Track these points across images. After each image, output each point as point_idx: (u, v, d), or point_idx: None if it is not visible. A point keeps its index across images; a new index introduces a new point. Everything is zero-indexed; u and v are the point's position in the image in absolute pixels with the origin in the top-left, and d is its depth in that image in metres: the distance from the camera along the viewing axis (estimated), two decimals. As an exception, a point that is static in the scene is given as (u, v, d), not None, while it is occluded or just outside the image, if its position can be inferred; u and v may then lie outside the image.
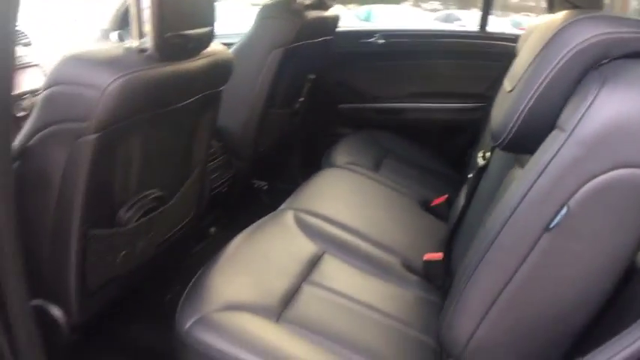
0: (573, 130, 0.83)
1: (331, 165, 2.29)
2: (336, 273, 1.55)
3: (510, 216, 0.91)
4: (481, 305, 0.94)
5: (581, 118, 0.83)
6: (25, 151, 1.29)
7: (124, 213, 1.45)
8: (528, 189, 0.88)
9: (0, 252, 1.13)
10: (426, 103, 2.82)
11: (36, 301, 1.35)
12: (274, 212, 1.77)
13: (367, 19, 10.50)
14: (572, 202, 0.83)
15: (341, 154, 2.36)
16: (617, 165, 0.81)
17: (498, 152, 1.47)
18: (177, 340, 1.24)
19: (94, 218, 1.33)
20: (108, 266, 1.46)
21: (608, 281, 0.86)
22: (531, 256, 0.88)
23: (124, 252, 1.48)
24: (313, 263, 1.55)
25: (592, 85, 0.84)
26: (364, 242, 1.71)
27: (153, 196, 1.54)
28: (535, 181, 0.88)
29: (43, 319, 1.35)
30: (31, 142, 1.28)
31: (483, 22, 2.85)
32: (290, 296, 1.39)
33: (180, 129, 1.65)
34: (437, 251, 1.66)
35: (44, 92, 1.28)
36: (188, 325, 1.22)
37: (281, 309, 1.33)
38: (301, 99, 2.62)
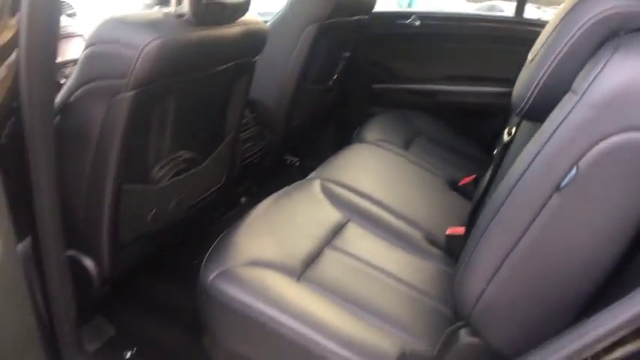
0: (584, 93, 0.85)
1: (362, 141, 2.31)
2: (359, 241, 1.58)
3: (522, 175, 0.93)
4: (491, 264, 0.96)
5: (592, 82, 0.85)
6: (65, 107, 1.35)
7: (156, 171, 1.51)
8: (540, 149, 0.91)
9: (39, 203, 1.20)
10: (460, 86, 2.82)
11: (70, 252, 1.41)
12: (302, 180, 1.81)
13: (409, 7, 10.42)
14: (581, 162, 0.85)
15: (372, 131, 2.39)
16: (625, 128, 0.82)
17: (523, 128, 1.48)
18: (200, 292, 1.30)
19: (128, 174, 1.39)
20: (139, 222, 1.52)
21: (616, 245, 0.87)
22: (541, 215, 0.90)
23: (155, 209, 1.54)
24: (337, 230, 1.59)
25: (605, 53, 0.86)
26: (389, 214, 1.73)
27: (185, 157, 1.60)
28: (547, 142, 0.90)
29: (75, 269, 1.42)
30: (72, 98, 1.34)
31: (519, 7, 2.83)
32: (312, 258, 1.43)
33: (214, 95, 1.70)
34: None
35: (85, 51, 1.35)
36: (212, 277, 1.27)
37: (302, 269, 1.37)
38: (335, 76, 2.64)
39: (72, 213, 1.37)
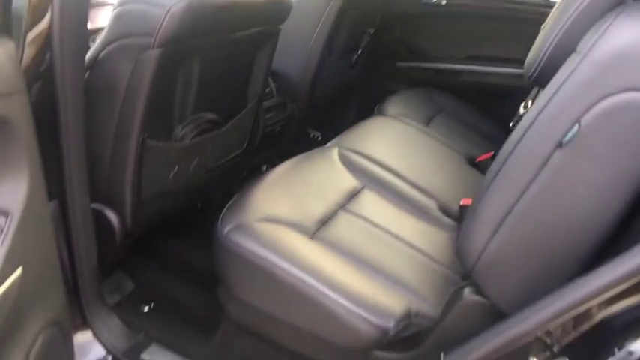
0: (587, 53, 0.88)
1: (383, 115, 2.34)
2: (373, 206, 1.61)
3: (526, 132, 0.96)
4: (494, 218, 0.99)
5: (595, 42, 0.87)
6: (94, 64, 1.41)
7: (180, 130, 1.57)
8: (543, 106, 0.93)
9: (67, 156, 1.26)
10: (483, 67, 2.82)
11: (95, 205, 1.47)
12: (321, 147, 1.85)
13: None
14: (583, 120, 0.88)
15: (393, 106, 2.41)
16: (626, 88, 0.85)
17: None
18: (216, 244, 1.35)
19: (152, 130, 1.44)
20: (161, 180, 1.58)
21: (616, 203, 0.89)
22: (543, 171, 0.93)
23: (176, 168, 1.60)
24: (352, 195, 1.62)
25: (610, 16, 0.88)
26: (404, 183, 1.76)
27: (208, 118, 1.65)
28: (550, 99, 0.92)
29: (99, 222, 1.48)
30: (101, 55, 1.40)
31: (548, -9, 2.82)
32: (326, 219, 1.47)
33: (238, 61, 1.74)
34: (475, 199, 1.71)
35: (115, 11, 1.40)
36: (227, 229, 1.33)
37: (316, 228, 1.42)
38: (359, 52, 2.67)
39: (98, 168, 1.43)
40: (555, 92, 0.92)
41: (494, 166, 1.04)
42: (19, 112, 0.92)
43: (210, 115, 1.66)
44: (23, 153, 0.94)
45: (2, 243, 0.92)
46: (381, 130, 2.13)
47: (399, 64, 2.95)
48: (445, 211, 1.72)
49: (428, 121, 2.40)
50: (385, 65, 2.97)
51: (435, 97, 2.70)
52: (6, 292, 0.92)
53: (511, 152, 0.98)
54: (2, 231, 0.93)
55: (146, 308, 1.72)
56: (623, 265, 0.81)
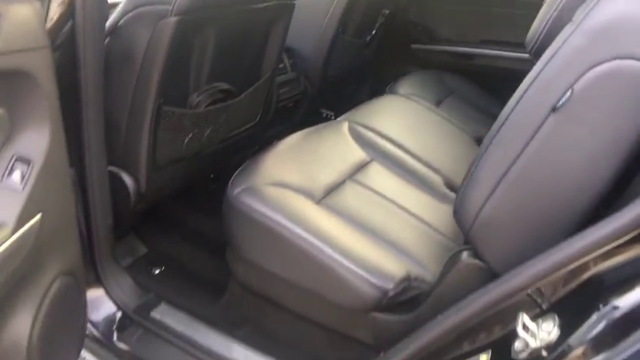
0: (581, 22, 0.92)
1: (394, 93, 2.37)
2: (380, 178, 1.66)
3: (521, 97, 1.00)
4: (490, 181, 1.03)
5: (589, 12, 0.91)
6: (114, 30, 1.46)
7: (195, 97, 1.61)
8: (539, 73, 0.97)
9: (86, 118, 1.31)
10: (496, 51, 2.83)
11: (111, 168, 1.53)
12: (331, 121, 1.89)
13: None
14: (576, 86, 0.91)
15: (405, 86, 2.44)
16: (618, 55, 0.88)
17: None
18: (226, 206, 1.40)
19: (168, 96, 1.49)
20: (176, 145, 1.63)
21: (607, 166, 0.93)
22: (538, 135, 0.96)
23: (191, 135, 1.65)
24: (360, 167, 1.67)
25: None
26: (411, 158, 1.80)
27: (222, 88, 1.70)
28: (545, 66, 0.96)
29: (114, 184, 1.53)
30: (121, 22, 1.45)
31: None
32: (333, 187, 1.52)
33: (253, 33, 1.78)
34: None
35: None
36: (237, 191, 1.38)
37: (323, 195, 1.47)
38: (373, 32, 2.70)
39: (115, 132, 1.48)
40: (550, 59, 0.95)
41: (491, 131, 1.08)
42: (43, 67, 0.98)
43: (225, 85, 1.71)
44: (46, 106, 1.00)
45: (23, 189, 0.98)
46: (392, 107, 2.17)
47: (414, 46, 2.98)
48: (451, 186, 1.76)
49: (438, 102, 2.44)
50: (399, 47, 2.99)
51: (446, 79, 2.72)
52: (25, 235, 0.98)
53: (507, 117, 1.02)
54: (24, 177, 0.99)
55: (157, 271, 1.79)
56: (610, 225, 0.84)
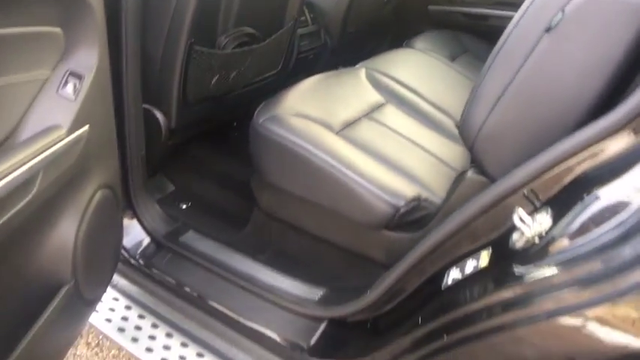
0: None
1: (411, 48, 2.47)
2: (394, 118, 1.76)
3: (519, 20, 1.10)
4: (492, 96, 1.13)
5: None
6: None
7: (222, 39, 1.73)
8: None
9: (125, 54, 1.43)
10: (513, 12, 2.89)
11: (145, 105, 1.65)
12: (349, 67, 2.00)
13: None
14: (567, 8, 1.01)
15: (422, 42, 2.53)
16: None
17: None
18: (252, 133, 1.53)
19: (198, 37, 1.60)
20: (204, 84, 1.75)
21: (597, 80, 1.02)
22: (534, 54, 1.06)
23: (217, 75, 1.76)
24: (375, 107, 1.78)
25: None
26: (424, 102, 1.91)
27: (248, 32, 1.81)
28: None
29: (148, 120, 1.65)
30: None
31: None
32: (350, 122, 1.63)
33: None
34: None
35: None
36: (262, 119, 1.50)
37: (341, 127, 1.58)
38: (393, -11, 2.79)
39: (149, 70, 1.60)
40: None
41: (492, 53, 1.18)
42: None
43: (250, 30, 1.82)
44: (95, 27, 1.11)
45: (75, 99, 1.10)
46: (408, 58, 2.27)
47: (431, 7, 3.05)
48: (460, 128, 1.86)
49: (453, 58, 2.52)
50: (418, 8, 3.07)
51: (462, 38, 2.80)
52: (76, 140, 1.10)
53: (506, 39, 1.12)
54: (76, 90, 1.11)
55: (184, 206, 1.92)
56: (594, 127, 0.95)
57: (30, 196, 0.96)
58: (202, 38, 1.64)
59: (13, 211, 0.92)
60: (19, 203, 0.94)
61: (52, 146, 1.00)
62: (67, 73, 1.11)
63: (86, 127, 1.13)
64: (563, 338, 0.85)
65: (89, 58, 1.13)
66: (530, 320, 0.86)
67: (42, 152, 0.97)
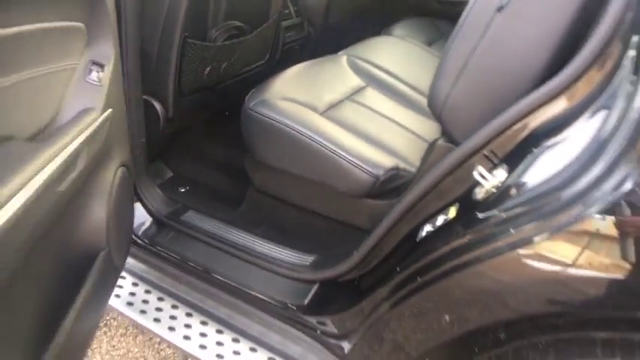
0: None
1: (388, 34, 2.62)
2: (373, 99, 1.92)
3: (474, 3, 1.24)
4: (454, 70, 1.26)
5: None
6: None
7: (213, 32, 1.87)
8: None
9: (125, 49, 1.56)
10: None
11: (144, 96, 1.78)
12: (331, 55, 2.14)
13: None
14: None
15: (400, 29, 2.68)
16: None
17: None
18: (243, 116, 1.67)
19: (191, 30, 1.74)
20: (197, 75, 1.89)
21: (545, 54, 1.15)
22: (488, 31, 1.20)
23: (210, 67, 1.91)
24: (356, 90, 1.93)
25: None
26: (401, 84, 2.06)
27: (236, 25, 1.95)
28: None
29: (147, 110, 1.79)
30: None
31: None
32: (333, 104, 1.78)
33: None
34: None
35: None
36: (253, 103, 1.65)
37: (325, 109, 1.73)
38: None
39: (147, 62, 1.73)
40: None
41: (453, 32, 1.31)
42: None
43: (238, 23, 1.96)
44: (111, 24, 1.26)
45: (101, 84, 1.25)
46: (386, 45, 2.42)
47: None
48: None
49: (430, 43, 2.68)
50: None
51: (438, 24, 2.96)
52: (105, 121, 1.25)
53: (465, 19, 1.26)
54: (99, 77, 1.26)
55: (182, 190, 2.06)
56: (541, 91, 1.09)
57: (74, 173, 1.10)
58: (195, 32, 1.77)
59: (64, 186, 1.06)
60: (68, 178, 1.08)
61: (89, 126, 1.15)
62: (91, 62, 1.26)
63: (110, 111, 1.28)
64: (515, 269, 1.00)
65: (107, 49, 1.28)
66: (489, 255, 1.02)
67: (83, 132, 1.12)
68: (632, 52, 0.99)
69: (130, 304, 1.79)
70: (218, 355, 1.62)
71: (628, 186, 0.89)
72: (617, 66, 1.02)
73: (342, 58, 2.09)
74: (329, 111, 1.73)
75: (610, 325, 1.06)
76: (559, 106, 1.07)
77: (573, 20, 1.16)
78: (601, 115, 1.00)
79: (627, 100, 0.96)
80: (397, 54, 2.32)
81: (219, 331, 1.69)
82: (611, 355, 1.03)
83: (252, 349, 1.63)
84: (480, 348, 1.21)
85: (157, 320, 1.74)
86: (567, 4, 1.14)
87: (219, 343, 1.65)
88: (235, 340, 1.66)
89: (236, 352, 1.63)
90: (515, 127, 1.13)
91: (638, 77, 0.97)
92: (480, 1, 1.22)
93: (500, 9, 1.18)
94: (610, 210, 0.91)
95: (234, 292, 1.65)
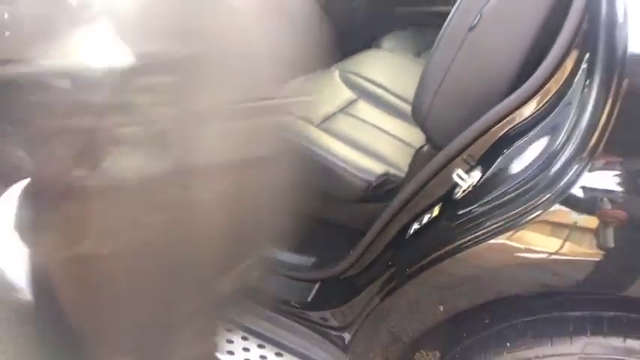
0: None
1: (378, 47, 2.75)
2: (366, 112, 2.04)
3: (450, 21, 1.38)
4: (434, 83, 1.40)
5: None
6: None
7: None
8: (460, 3, 1.36)
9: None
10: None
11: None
12: (324, 70, 2.28)
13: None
14: (484, 11, 1.29)
15: (388, 41, 2.79)
16: None
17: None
18: None
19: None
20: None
21: (515, 65, 1.29)
22: (462, 48, 1.34)
23: None
24: (349, 103, 2.06)
25: None
26: (391, 95, 2.17)
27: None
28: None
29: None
30: None
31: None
32: (328, 117, 1.92)
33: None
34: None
35: None
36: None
37: (320, 121, 1.87)
38: (360, -2, 3.06)
39: None
40: None
41: (433, 48, 1.45)
42: None
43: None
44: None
45: None
46: (376, 58, 2.54)
47: (398, 8, 3.32)
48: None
49: (418, 53, 2.80)
50: (385, 9, 3.33)
51: (427, 35, 3.07)
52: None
53: (441, 37, 1.40)
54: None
55: None
56: (512, 99, 1.23)
57: None
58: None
59: None
60: None
61: None
62: None
63: None
64: (491, 256, 1.15)
65: None
66: (468, 245, 1.17)
67: None
68: (584, 65, 1.13)
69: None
70: (229, 352, 1.75)
71: (581, 182, 1.04)
72: (574, 75, 1.16)
73: (335, 72, 2.22)
74: (324, 123, 1.86)
75: (580, 304, 1.21)
76: (527, 111, 1.22)
77: (537, 37, 1.31)
78: (560, 119, 1.14)
79: (580, 107, 1.10)
80: (386, 66, 2.44)
81: (228, 330, 1.82)
82: (583, 332, 1.18)
83: (260, 346, 1.77)
84: (468, 333, 1.35)
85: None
86: (531, 23, 1.29)
87: (229, 341, 1.79)
88: (244, 339, 1.80)
89: (245, 349, 1.77)
90: (489, 133, 1.27)
91: (590, 85, 1.11)
92: (454, 22, 1.36)
93: (471, 29, 1.32)
94: (569, 201, 1.06)
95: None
